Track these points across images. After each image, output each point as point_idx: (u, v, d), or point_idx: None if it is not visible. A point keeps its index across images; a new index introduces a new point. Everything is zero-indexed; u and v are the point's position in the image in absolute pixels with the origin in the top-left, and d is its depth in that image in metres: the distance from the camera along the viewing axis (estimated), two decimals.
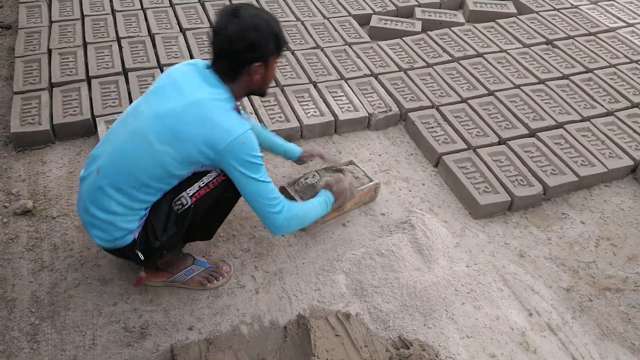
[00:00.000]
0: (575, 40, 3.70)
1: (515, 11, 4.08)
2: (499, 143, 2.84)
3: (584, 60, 3.50)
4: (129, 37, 3.35)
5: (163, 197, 1.83)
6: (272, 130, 2.74)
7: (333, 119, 2.89)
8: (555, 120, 2.97)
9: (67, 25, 3.42)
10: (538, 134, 2.86)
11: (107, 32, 3.38)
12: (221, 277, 2.11)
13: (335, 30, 3.63)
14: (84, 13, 3.55)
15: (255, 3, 3.82)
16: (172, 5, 3.74)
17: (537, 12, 4.02)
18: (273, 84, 3.08)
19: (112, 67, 3.08)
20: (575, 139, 2.85)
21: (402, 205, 2.53)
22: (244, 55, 1.72)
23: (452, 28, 3.75)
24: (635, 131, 2.94)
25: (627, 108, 3.14)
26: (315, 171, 2.42)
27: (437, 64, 3.39)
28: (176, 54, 3.22)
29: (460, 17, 3.94)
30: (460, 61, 3.41)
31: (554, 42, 3.68)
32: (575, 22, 3.93)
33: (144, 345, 1.91)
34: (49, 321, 1.95)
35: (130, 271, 2.12)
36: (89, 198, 1.81)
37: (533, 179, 2.59)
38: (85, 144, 2.72)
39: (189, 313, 2.02)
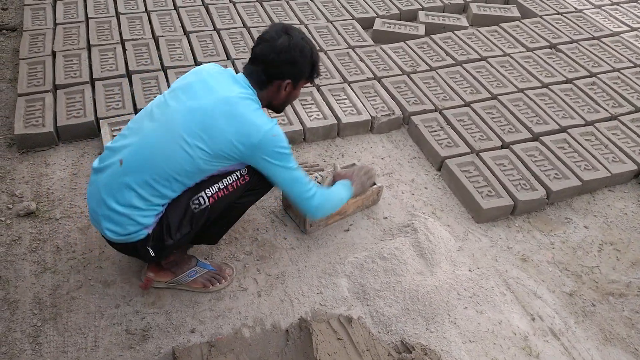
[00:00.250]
0: (579, 44, 3.70)
1: (519, 15, 4.08)
2: (502, 147, 2.83)
3: (588, 65, 3.50)
4: (132, 39, 3.36)
5: (182, 195, 1.83)
6: None
7: (336, 122, 2.89)
8: (559, 125, 2.97)
9: (72, 27, 3.44)
10: (541, 138, 2.86)
11: (111, 34, 3.39)
12: (224, 280, 2.11)
13: (339, 33, 3.64)
14: (89, 15, 3.57)
15: (259, 7, 3.82)
16: (176, 8, 3.75)
17: (540, 16, 4.02)
18: None
19: (116, 69, 3.09)
20: (579, 143, 2.84)
21: (404, 209, 2.53)
22: (281, 67, 1.83)
23: (455, 32, 3.75)
24: (639, 136, 2.94)
25: (631, 112, 3.13)
26: (319, 174, 2.42)
27: (440, 67, 3.39)
28: (180, 57, 3.23)
29: (463, 21, 3.94)
30: (463, 65, 3.41)
31: (558, 46, 3.67)
32: (579, 26, 3.93)
33: (146, 347, 1.91)
34: (51, 323, 1.96)
35: (132, 273, 2.13)
36: (108, 191, 1.78)
37: (536, 183, 2.58)
38: (88, 146, 2.73)
39: (191, 316, 2.01)
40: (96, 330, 1.94)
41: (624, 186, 2.78)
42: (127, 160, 1.77)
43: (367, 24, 3.85)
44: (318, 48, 3.44)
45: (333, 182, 2.27)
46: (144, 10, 3.68)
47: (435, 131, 2.89)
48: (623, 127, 2.99)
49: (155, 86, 2.99)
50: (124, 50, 3.27)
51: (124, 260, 2.17)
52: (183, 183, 1.80)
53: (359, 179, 2.27)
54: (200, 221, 1.86)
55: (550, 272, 2.30)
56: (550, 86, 3.26)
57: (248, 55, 2.15)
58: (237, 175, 1.91)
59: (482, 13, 4.03)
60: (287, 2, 3.93)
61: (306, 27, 3.66)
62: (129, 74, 3.09)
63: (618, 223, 2.57)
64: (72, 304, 2.02)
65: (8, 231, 2.27)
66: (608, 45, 3.71)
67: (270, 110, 2.07)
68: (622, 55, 3.62)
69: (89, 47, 3.29)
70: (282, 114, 2.88)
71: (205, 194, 1.85)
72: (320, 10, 3.88)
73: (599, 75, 3.39)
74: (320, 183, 2.33)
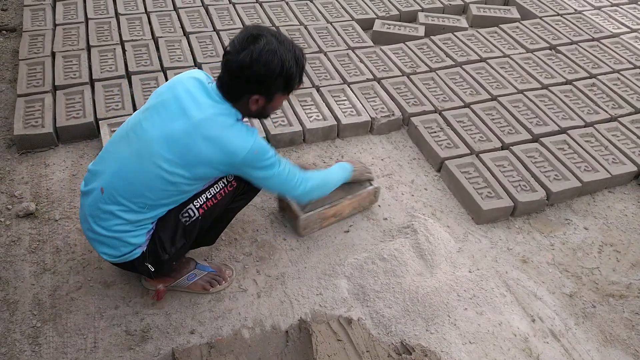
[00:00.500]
0: (579, 45, 3.70)
1: (519, 16, 4.08)
2: (502, 148, 2.83)
3: (588, 66, 3.50)
4: (132, 40, 3.36)
5: (169, 211, 1.83)
6: (274, 135, 2.75)
7: (336, 123, 2.89)
8: (559, 126, 2.97)
9: (71, 28, 3.44)
10: (541, 139, 2.86)
11: (111, 35, 3.39)
12: (223, 281, 2.11)
13: (339, 34, 3.64)
14: (88, 16, 3.56)
15: (259, 8, 3.82)
16: (175, 9, 3.75)
17: (540, 18, 4.02)
18: None
19: (115, 70, 3.09)
20: (579, 145, 2.84)
21: (404, 210, 2.53)
22: (247, 84, 1.69)
23: (455, 33, 3.75)
24: (639, 137, 2.94)
25: (630, 114, 3.13)
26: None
27: (440, 68, 3.39)
28: (179, 58, 3.23)
29: (463, 22, 3.94)
30: (463, 66, 3.41)
31: (558, 48, 3.67)
32: (578, 27, 3.93)
33: (146, 348, 1.90)
34: (51, 324, 1.95)
35: (131, 275, 2.12)
36: (93, 218, 1.79)
37: (536, 185, 2.58)
38: (88, 147, 2.73)
39: (191, 317, 2.01)
40: (96, 331, 1.94)
41: (624, 187, 2.78)
42: (107, 189, 1.74)
43: (366, 25, 3.84)
44: (318, 49, 3.44)
45: None
46: (143, 11, 3.68)
47: (435, 132, 2.88)
48: (623, 129, 2.99)
49: (154, 87, 2.98)
50: (124, 51, 3.26)
51: None
52: (168, 205, 1.79)
53: (360, 166, 2.32)
54: (194, 232, 1.86)
55: (551, 274, 2.30)
56: (550, 87, 3.26)
57: None
58: (224, 183, 1.89)
59: (481, 14, 4.03)
60: (287, 3, 3.93)
61: (306, 28, 3.66)
62: (128, 75, 3.09)
63: (618, 224, 2.57)
64: (71, 305, 2.02)
65: (7, 232, 2.27)
66: (608, 47, 3.71)
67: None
68: (621, 56, 3.62)
69: (88, 48, 3.28)
70: (282, 115, 2.88)
71: (194, 205, 1.83)
72: (320, 11, 3.88)
73: (598, 77, 3.39)
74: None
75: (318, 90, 3.10)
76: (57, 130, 2.71)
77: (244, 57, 1.63)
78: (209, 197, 1.86)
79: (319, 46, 3.48)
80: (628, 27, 3.99)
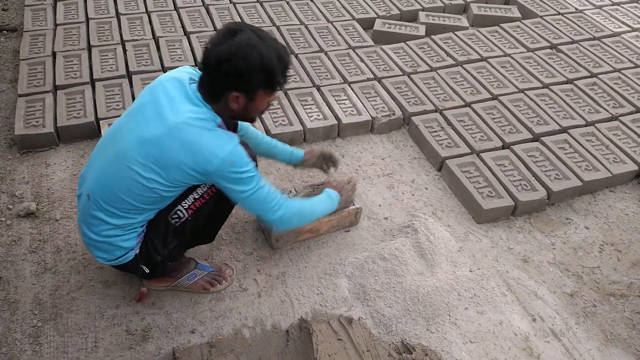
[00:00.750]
0: (580, 44, 3.70)
1: (520, 15, 4.08)
2: (503, 147, 2.83)
3: (589, 65, 3.49)
4: (133, 40, 3.36)
5: (158, 213, 1.82)
6: (275, 135, 2.75)
7: (336, 122, 2.89)
8: (560, 125, 2.96)
9: (72, 28, 3.44)
10: (542, 138, 2.86)
11: (112, 35, 3.39)
12: (224, 281, 2.11)
13: (339, 34, 3.64)
14: (89, 16, 3.56)
15: (259, 7, 3.82)
16: (176, 8, 3.75)
17: (541, 17, 4.01)
18: None
19: (116, 70, 3.09)
20: (580, 144, 2.84)
21: (405, 210, 2.53)
22: (225, 79, 1.61)
23: (456, 32, 3.75)
24: (639, 136, 2.93)
25: (631, 113, 3.12)
26: (293, 187, 2.35)
27: (440, 68, 3.39)
28: (180, 57, 3.23)
29: (464, 21, 3.94)
30: (464, 65, 3.40)
31: (558, 47, 3.67)
32: (579, 26, 3.93)
33: (146, 348, 1.90)
34: (52, 323, 1.95)
35: (132, 274, 2.12)
36: (84, 222, 1.81)
37: (537, 184, 2.58)
38: (89, 147, 2.73)
39: (191, 316, 2.01)
40: (96, 331, 1.94)
41: (625, 186, 2.78)
42: (92, 195, 1.75)
43: (367, 24, 3.84)
44: (318, 49, 3.44)
45: (321, 191, 2.18)
46: (144, 10, 3.68)
47: (436, 131, 2.88)
48: (624, 128, 2.98)
49: None
50: (125, 50, 3.27)
51: None
52: (153, 208, 1.78)
53: (345, 194, 2.22)
54: (186, 232, 1.85)
55: (551, 273, 2.30)
56: (550, 86, 3.26)
57: None
58: (208, 185, 1.85)
59: (482, 13, 4.03)
60: (287, 3, 3.93)
61: (306, 27, 3.66)
62: (129, 75, 3.09)
63: (619, 223, 2.56)
64: (72, 305, 2.02)
65: (8, 232, 2.27)
66: (609, 46, 3.71)
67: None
68: (622, 55, 3.62)
69: (89, 48, 3.29)
70: (282, 114, 2.88)
71: (182, 206, 1.82)
72: (321, 11, 3.88)
73: (599, 76, 3.38)
74: (294, 195, 2.26)
75: (319, 90, 3.10)
76: (58, 130, 2.71)
77: (222, 50, 1.57)
78: (196, 197, 1.83)
79: (319, 45, 3.48)
80: (629, 26, 3.99)
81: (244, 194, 1.72)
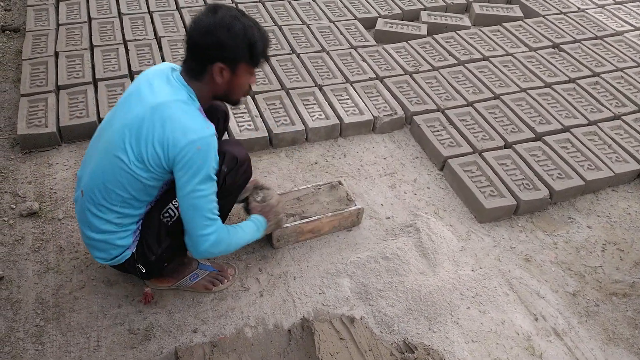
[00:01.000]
0: (582, 44, 3.69)
1: (522, 14, 4.07)
2: (505, 147, 2.83)
3: (591, 64, 3.49)
4: (135, 40, 3.36)
5: (151, 210, 1.83)
6: (277, 134, 2.76)
7: (338, 122, 2.89)
8: (562, 124, 2.96)
9: (74, 28, 3.44)
10: (544, 137, 2.85)
11: (114, 35, 3.40)
12: (226, 280, 2.11)
13: (341, 33, 3.64)
14: (91, 16, 3.57)
15: (261, 7, 3.82)
16: (178, 8, 3.75)
17: (543, 16, 4.01)
18: (278, 86, 3.08)
19: (118, 69, 3.10)
20: (582, 143, 2.84)
21: (407, 209, 2.52)
22: (208, 51, 1.64)
23: (458, 31, 3.74)
24: None
25: (634, 112, 3.12)
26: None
27: (442, 67, 3.39)
28: (182, 57, 3.21)
29: (466, 21, 3.93)
30: (466, 64, 3.40)
31: (561, 46, 3.66)
32: (581, 25, 3.92)
33: (148, 347, 1.91)
34: (54, 323, 1.96)
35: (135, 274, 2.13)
36: (82, 221, 1.83)
37: (539, 183, 2.58)
38: None
39: (194, 315, 2.02)
40: (99, 330, 1.95)
41: (628, 186, 2.77)
42: (86, 191, 1.77)
43: (369, 24, 3.84)
44: (320, 48, 3.44)
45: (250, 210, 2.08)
46: (146, 10, 3.68)
47: (438, 131, 2.88)
48: (626, 127, 2.98)
49: None
50: (127, 50, 3.27)
51: None
52: (143, 200, 1.77)
53: (274, 217, 2.05)
54: (179, 231, 1.83)
55: (554, 272, 2.29)
56: (553, 86, 3.26)
57: None
58: None
59: (484, 13, 4.02)
60: (289, 2, 3.93)
61: (308, 27, 3.66)
62: (131, 75, 3.10)
63: (621, 223, 2.56)
64: (74, 304, 2.02)
65: (11, 231, 2.27)
66: (611, 45, 3.70)
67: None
68: (625, 54, 3.61)
69: (91, 48, 3.29)
70: (285, 114, 2.88)
71: (173, 205, 1.82)
72: (323, 11, 3.88)
73: (602, 75, 3.38)
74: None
75: (321, 90, 3.10)
76: (61, 129, 2.72)
77: (206, 22, 1.62)
78: None
79: (321, 45, 3.48)
80: (632, 25, 3.98)
81: (190, 188, 1.65)
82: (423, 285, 2.13)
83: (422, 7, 4.04)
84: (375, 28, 3.76)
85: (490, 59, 3.48)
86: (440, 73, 3.31)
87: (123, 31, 3.45)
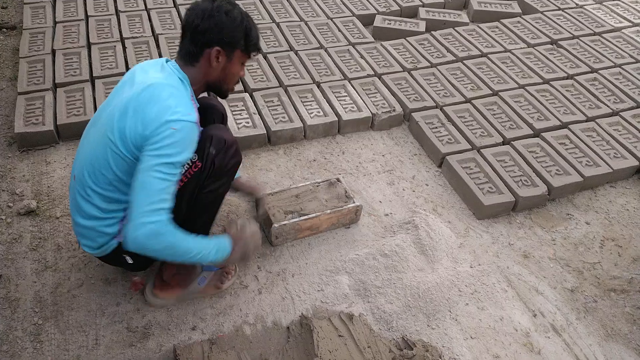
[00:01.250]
0: (580, 40, 3.69)
1: (520, 11, 4.06)
2: (503, 143, 2.82)
3: (589, 60, 3.48)
4: (132, 37, 3.35)
5: None
6: (275, 131, 2.75)
7: (336, 119, 2.88)
8: (560, 121, 2.96)
9: (72, 25, 3.43)
10: (542, 134, 2.85)
11: (111, 32, 3.39)
12: (230, 276, 2.10)
13: (339, 30, 3.63)
14: (88, 14, 3.56)
15: (259, 4, 3.82)
16: (175, 5, 3.74)
17: (541, 12, 4.00)
18: (276, 83, 3.08)
19: (116, 67, 3.09)
20: (580, 139, 2.84)
21: (405, 206, 2.52)
22: (207, 33, 1.66)
23: (456, 28, 3.74)
24: None
25: (632, 108, 3.12)
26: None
27: (441, 64, 3.38)
28: None
29: (464, 17, 3.93)
30: (464, 61, 3.40)
31: (559, 42, 3.66)
32: (580, 22, 3.92)
33: (147, 345, 1.91)
34: (52, 321, 1.96)
35: (134, 273, 2.12)
36: (73, 207, 1.83)
37: (537, 180, 2.58)
38: None
39: (192, 313, 2.01)
40: (97, 328, 1.94)
41: (626, 182, 2.77)
42: (77, 174, 1.78)
43: (367, 20, 3.84)
44: (318, 45, 3.44)
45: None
46: (143, 8, 3.67)
47: (436, 128, 2.88)
48: (624, 123, 2.98)
49: None
50: (124, 48, 3.26)
51: None
52: (127, 183, 1.70)
53: (243, 247, 1.83)
54: None
55: (552, 268, 2.30)
56: (551, 82, 3.25)
57: None
58: (188, 164, 1.74)
59: (482, 9, 4.02)
60: (287, 0, 3.93)
61: (306, 24, 3.65)
62: None
63: (620, 219, 2.56)
64: (73, 302, 2.02)
65: (9, 230, 2.27)
66: (609, 41, 3.70)
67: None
68: (623, 50, 3.61)
69: (89, 45, 3.28)
70: (283, 111, 2.87)
71: None
72: (321, 7, 3.87)
73: (600, 71, 3.38)
74: None
75: (319, 86, 3.10)
76: (58, 127, 2.71)
77: (206, 6, 1.67)
78: None
79: (319, 42, 3.48)
80: (630, 21, 3.98)
81: (149, 164, 1.56)
82: (422, 282, 2.13)
83: (420, 3, 4.03)
84: (373, 25, 3.75)
85: (488, 55, 3.47)
86: (438, 70, 3.30)
87: (120, 29, 3.44)
